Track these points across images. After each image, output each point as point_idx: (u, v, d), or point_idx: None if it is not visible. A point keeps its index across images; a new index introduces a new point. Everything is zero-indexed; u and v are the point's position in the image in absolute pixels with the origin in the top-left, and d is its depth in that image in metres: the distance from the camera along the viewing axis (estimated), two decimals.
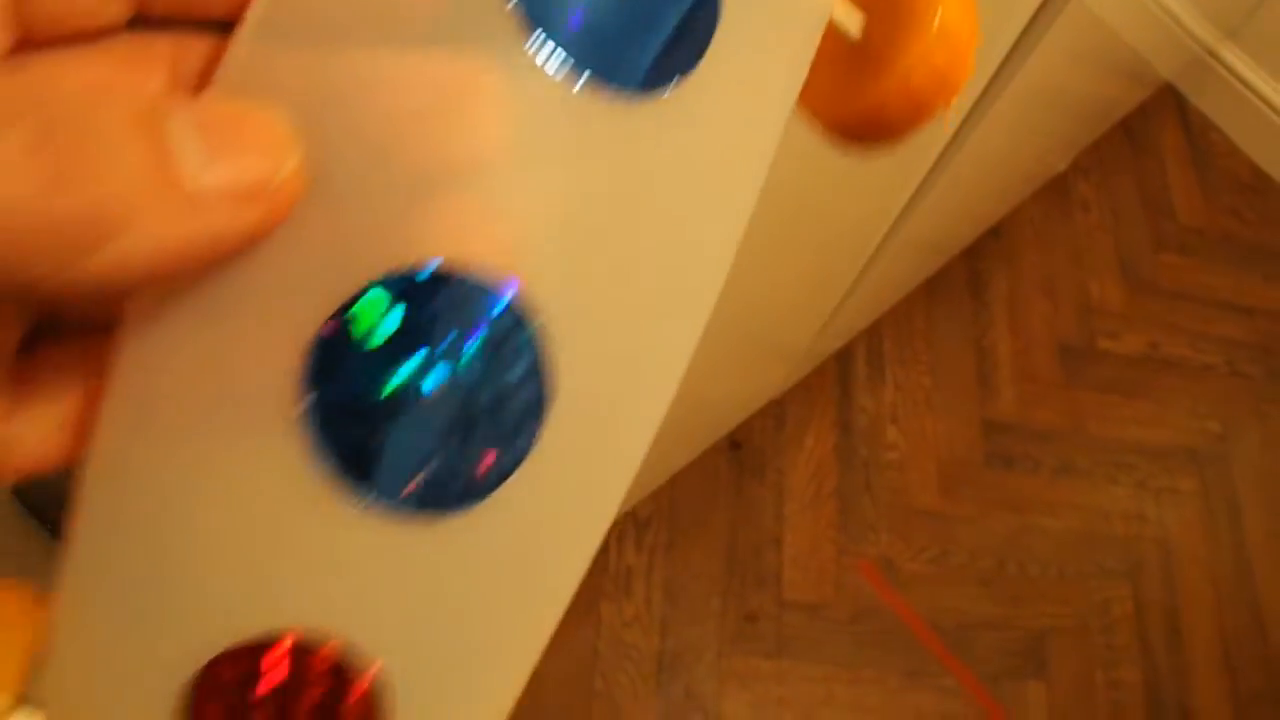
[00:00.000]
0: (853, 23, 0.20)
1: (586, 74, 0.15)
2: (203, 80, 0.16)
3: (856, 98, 0.20)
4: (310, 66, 0.15)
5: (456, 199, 0.15)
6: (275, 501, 0.15)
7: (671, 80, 0.15)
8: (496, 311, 0.14)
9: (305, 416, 0.14)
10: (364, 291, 0.14)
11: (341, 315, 0.14)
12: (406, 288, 0.14)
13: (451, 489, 0.15)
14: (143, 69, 0.16)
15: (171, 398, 0.15)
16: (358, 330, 0.14)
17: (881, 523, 1.30)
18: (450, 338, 0.14)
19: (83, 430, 0.16)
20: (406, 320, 0.14)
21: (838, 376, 1.37)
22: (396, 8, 0.15)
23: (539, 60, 0.14)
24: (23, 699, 0.15)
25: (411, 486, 0.14)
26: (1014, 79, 0.71)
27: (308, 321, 0.14)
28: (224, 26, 0.16)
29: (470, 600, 0.16)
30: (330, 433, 0.14)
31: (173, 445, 0.15)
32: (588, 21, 0.15)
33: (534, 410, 0.15)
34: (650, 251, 0.16)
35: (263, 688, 0.15)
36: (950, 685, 1.23)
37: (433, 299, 0.14)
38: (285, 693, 0.15)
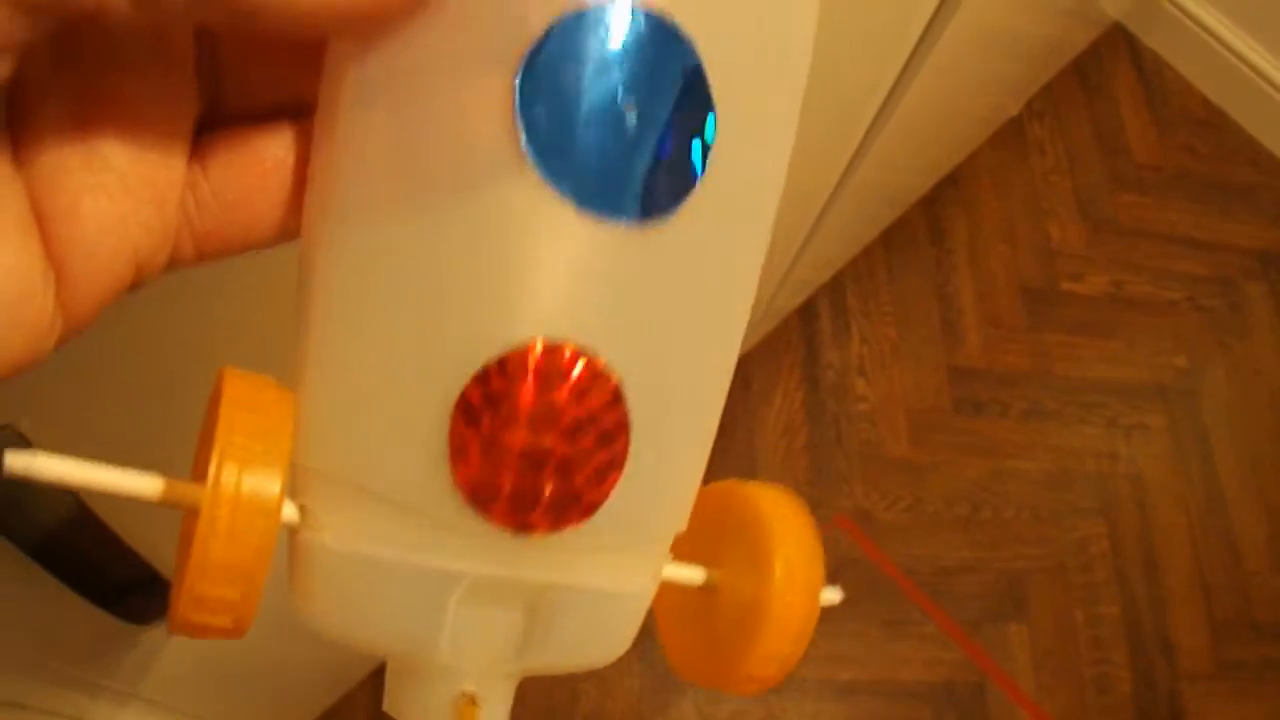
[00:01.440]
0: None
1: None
2: None
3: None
4: None
5: None
6: (508, 226, 0.16)
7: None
8: (668, 42, 0.16)
9: (526, 147, 0.15)
10: (554, 23, 0.15)
11: (538, 47, 0.15)
12: (592, 19, 0.15)
13: (646, 200, 0.16)
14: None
15: (397, 152, 0.16)
16: (554, 60, 0.15)
17: (854, 475, 1.30)
18: (635, 65, 0.16)
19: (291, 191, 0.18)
20: (597, 50, 0.15)
21: (802, 333, 1.37)
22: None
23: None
24: (288, 479, 0.16)
25: (614, 196, 0.16)
26: (950, 21, 0.70)
27: (509, 57, 0.15)
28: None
29: (679, 298, 0.17)
30: (543, 146, 0.15)
31: (406, 195, 0.16)
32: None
33: (702, 129, 0.16)
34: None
35: (520, 398, 0.16)
36: (931, 632, 1.24)
37: (615, 31, 0.16)
38: (541, 400, 0.16)
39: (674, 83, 0.16)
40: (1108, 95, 1.66)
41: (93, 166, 0.16)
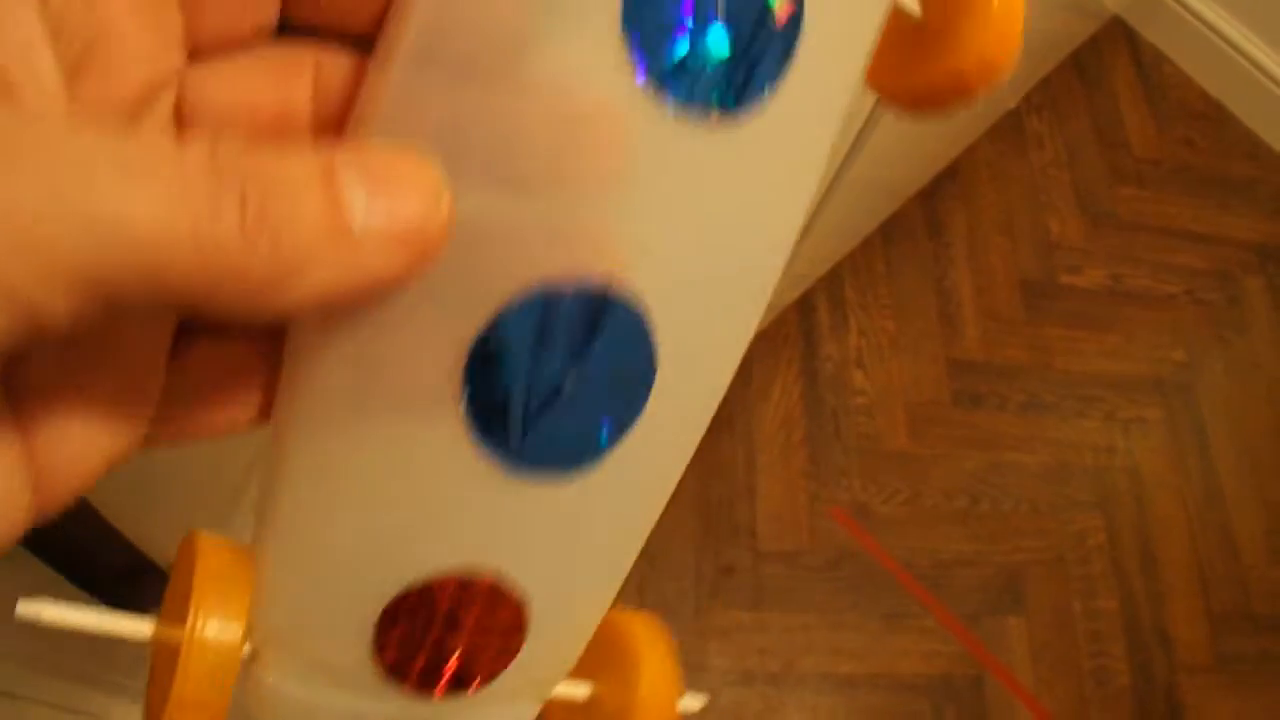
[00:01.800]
0: (913, 3, 0.22)
1: (689, 102, 0.17)
2: (343, 94, 0.19)
3: (911, 75, 0.22)
4: (450, 99, 0.17)
5: (579, 217, 0.17)
6: (440, 471, 0.18)
7: (760, 96, 0.17)
8: (616, 314, 0.18)
9: (466, 407, 0.18)
10: (508, 303, 0.17)
11: (490, 325, 0.17)
12: (542, 299, 0.17)
13: (578, 454, 0.19)
14: (288, 82, 0.19)
15: (351, 393, 0.19)
16: (504, 339, 0.17)
17: (853, 468, 1.31)
18: (579, 338, 0.18)
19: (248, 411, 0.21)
20: (543, 326, 0.17)
21: (800, 326, 1.37)
22: (518, 44, 0.17)
23: (646, 92, 0.17)
24: (248, 630, 0.20)
25: (545, 453, 0.18)
26: None
27: (462, 331, 0.17)
28: (361, 40, 0.19)
29: (589, 537, 0.20)
30: (484, 418, 0.18)
31: (356, 432, 0.19)
32: (690, 60, 0.17)
33: (643, 386, 0.19)
34: (733, 249, 0.19)
35: (437, 611, 0.19)
36: (930, 625, 1.24)
37: (564, 308, 0.17)
38: (455, 613, 0.20)
39: (619, 356, 0.18)
40: (1106, 89, 1.66)
41: (81, 393, 0.18)
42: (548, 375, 0.18)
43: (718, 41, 0.17)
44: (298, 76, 0.19)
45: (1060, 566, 1.31)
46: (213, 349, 0.20)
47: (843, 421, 1.33)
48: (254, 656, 0.21)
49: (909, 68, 0.22)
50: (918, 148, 1.17)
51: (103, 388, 0.18)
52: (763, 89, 0.17)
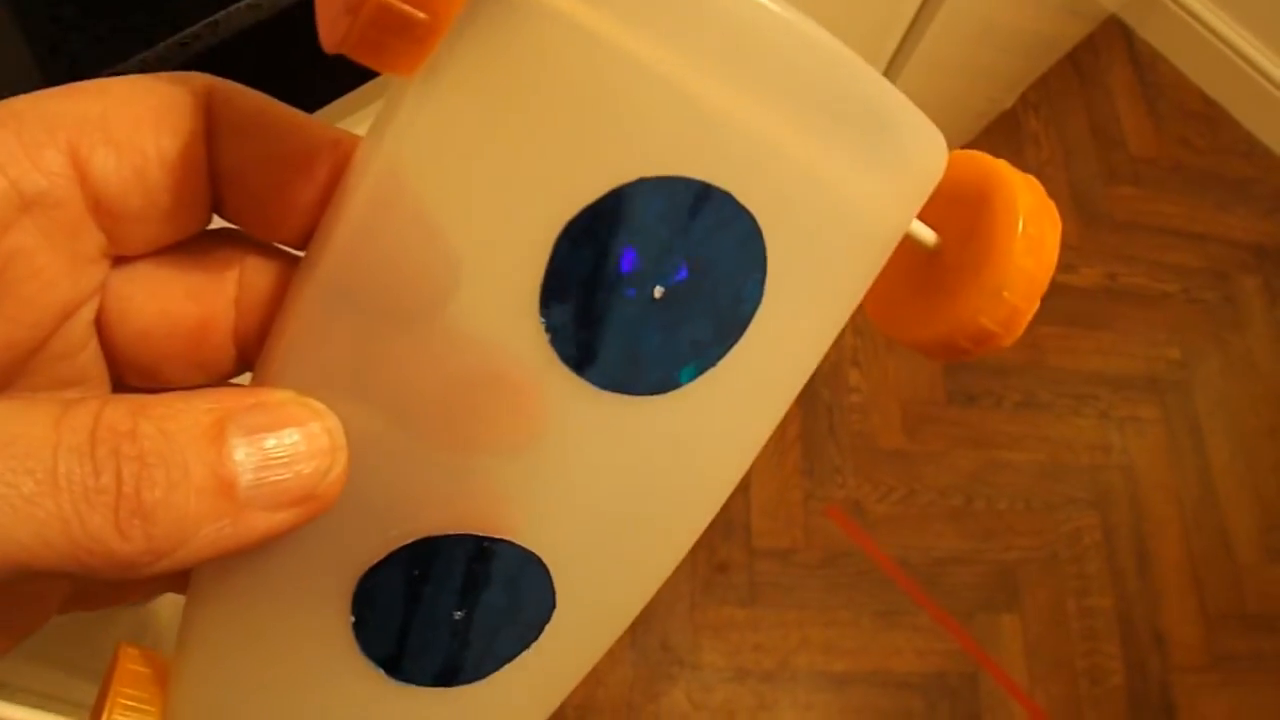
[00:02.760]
0: (928, 236, 0.20)
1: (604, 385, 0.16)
2: (266, 304, 0.19)
3: (921, 323, 0.20)
4: (360, 337, 0.17)
5: (478, 478, 0.17)
6: (328, 676, 0.19)
7: (692, 378, 0.17)
8: (508, 567, 0.18)
9: (354, 627, 0.18)
10: (395, 549, 0.17)
11: (378, 566, 0.17)
12: (428, 550, 0.17)
13: (462, 674, 0.19)
14: (214, 290, 0.19)
15: (245, 627, 0.19)
16: (390, 581, 0.18)
17: (847, 466, 1.31)
18: (466, 587, 0.18)
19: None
20: (429, 573, 0.17)
21: None
22: (430, 299, 0.16)
23: (559, 364, 0.16)
24: None
25: (433, 677, 0.18)
26: (936, 16, 0.70)
27: (348, 569, 0.18)
28: (290, 245, 0.19)
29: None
30: (371, 640, 0.18)
31: (251, 628, 0.19)
32: (621, 355, 0.16)
33: (531, 629, 0.19)
34: (645, 520, 0.19)
35: None
36: (924, 623, 1.24)
37: (451, 561, 0.17)
38: None
39: (506, 608, 0.18)
40: (1103, 88, 1.66)
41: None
42: (434, 614, 0.18)
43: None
44: (221, 284, 0.19)
45: (1055, 565, 1.31)
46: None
47: (837, 419, 1.33)
48: None
49: (918, 309, 0.20)
50: None
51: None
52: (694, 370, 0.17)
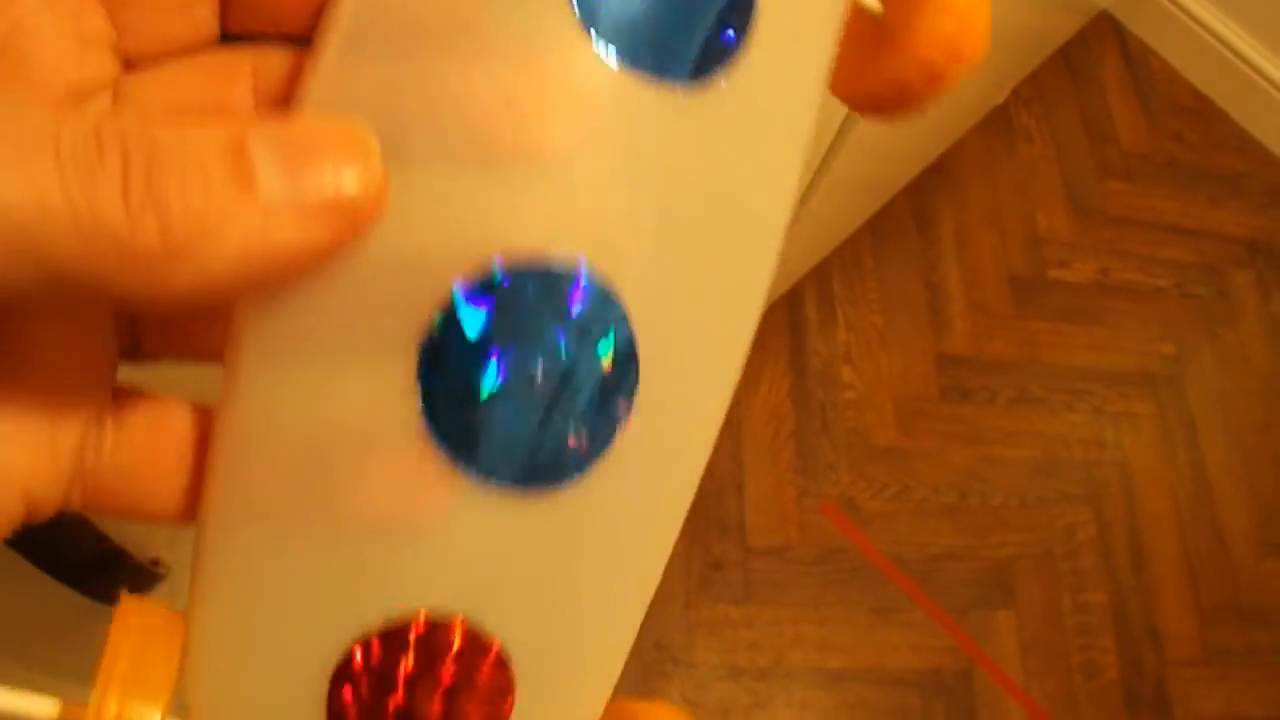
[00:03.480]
0: (873, 4, 0.21)
1: (642, 68, 0.16)
2: (284, 91, 0.18)
3: (874, 74, 0.21)
4: (387, 78, 0.16)
5: (531, 191, 0.16)
6: (395, 490, 0.16)
7: (718, 69, 0.16)
8: (581, 297, 0.16)
9: (419, 410, 0.15)
10: (462, 287, 0.15)
11: (440, 316, 0.15)
12: (493, 282, 0.15)
13: (550, 466, 0.16)
14: (228, 82, 0.18)
15: (287, 408, 0.16)
16: (455, 332, 0.15)
17: (841, 462, 1.30)
18: (541, 325, 0.16)
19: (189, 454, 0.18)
20: (498, 314, 0.15)
21: (788, 320, 1.37)
22: (463, 16, 0.16)
23: (600, 56, 0.15)
24: (170, 708, 0.16)
25: (515, 465, 0.16)
26: None
27: (408, 323, 0.15)
28: (302, 41, 0.18)
29: (574, 572, 0.17)
30: (441, 422, 0.15)
31: (293, 452, 0.16)
32: (638, 21, 0.16)
33: (624, 387, 0.16)
34: (712, 227, 0.17)
35: (400, 668, 0.16)
36: (919, 619, 1.24)
37: (519, 291, 0.15)
38: (421, 670, 0.16)
39: (593, 342, 0.16)
40: (1096, 83, 1.66)
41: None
42: (512, 367, 0.15)
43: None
44: (237, 77, 0.18)
45: (1049, 560, 1.31)
46: (140, 411, 0.19)
47: (831, 416, 1.33)
48: None
49: (872, 67, 0.21)
50: (904, 143, 1.17)
51: (11, 406, 0.17)
52: (719, 65, 0.16)
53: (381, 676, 0.16)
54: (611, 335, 0.16)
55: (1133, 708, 1.25)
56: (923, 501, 1.31)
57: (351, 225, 0.15)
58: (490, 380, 0.15)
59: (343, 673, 0.16)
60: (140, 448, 0.18)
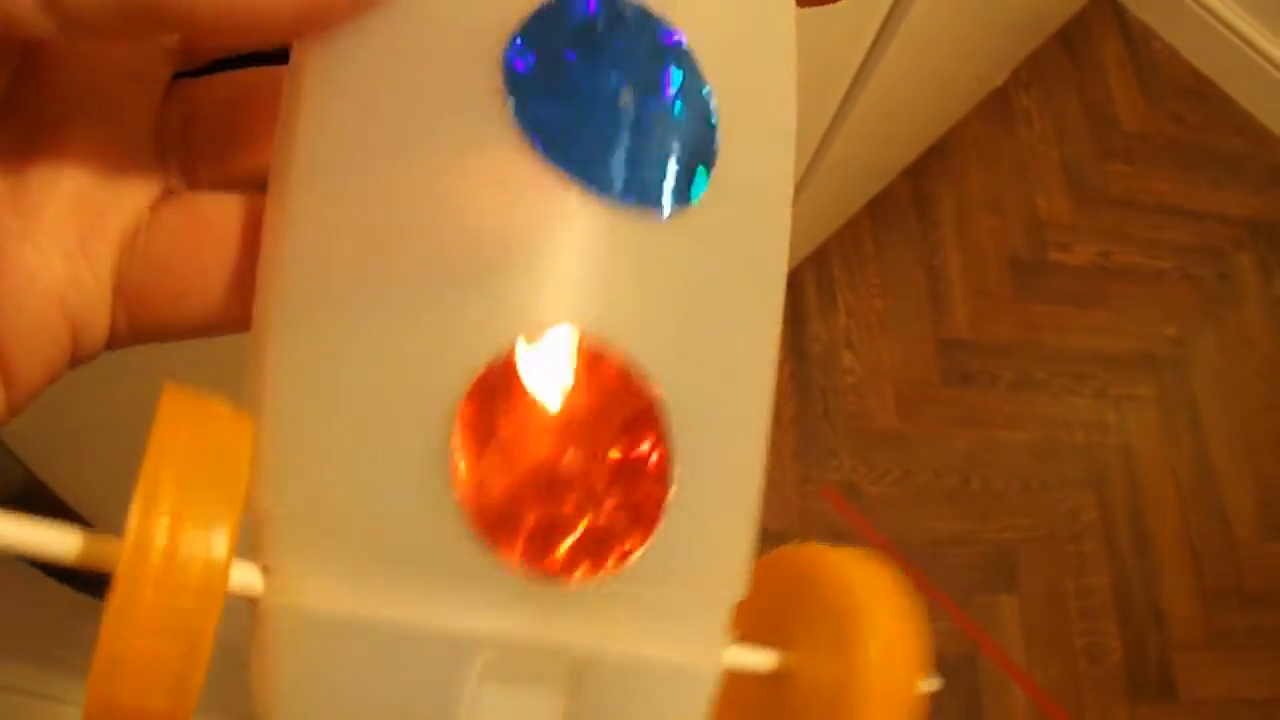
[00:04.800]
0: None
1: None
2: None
3: None
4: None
5: None
6: (504, 205, 0.14)
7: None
8: (672, 43, 0.15)
9: (519, 122, 0.14)
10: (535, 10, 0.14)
11: (523, 30, 0.14)
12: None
13: (663, 188, 0.15)
14: None
15: (373, 124, 0.15)
16: (551, 45, 0.14)
17: (842, 448, 1.30)
18: (636, 53, 0.15)
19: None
20: (594, 36, 0.14)
21: (789, 305, 1.35)
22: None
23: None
24: (237, 531, 0.12)
25: (630, 183, 0.14)
26: None
27: (495, 36, 0.14)
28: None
29: (713, 294, 0.16)
30: (545, 134, 0.14)
31: (386, 170, 0.14)
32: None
33: (707, 118, 0.15)
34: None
35: (531, 406, 0.13)
36: (922, 604, 1.24)
37: (600, 14, 0.15)
38: (565, 394, 0.14)
39: (666, 67, 0.15)
40: (1095, 65, 1.65)
41: (19, 211, 0.16)
42: (599, 78, 0.14)
43: None
44: None
45: (1052, 544, 1.31)
46: (180, 209, 0.18)
47: (832, 401, 1.33)
48: (267, 583, 0.14)
49: None
50: (902, 126, 1.17)
51: (49, 213, 0.16)
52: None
53: (517, 414, 0.14)
54: (699, 92, 0.15)
55: (1136, 691, 1.25)
56: (924, 486, 1.30)
57: None
58: (586, 80, 0.14)
59: (468, 417, 0.13)
60: (177, 241, 0.17)
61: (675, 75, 0.15)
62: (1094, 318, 1.46)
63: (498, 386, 0.13)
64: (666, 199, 0.15)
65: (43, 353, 0.16)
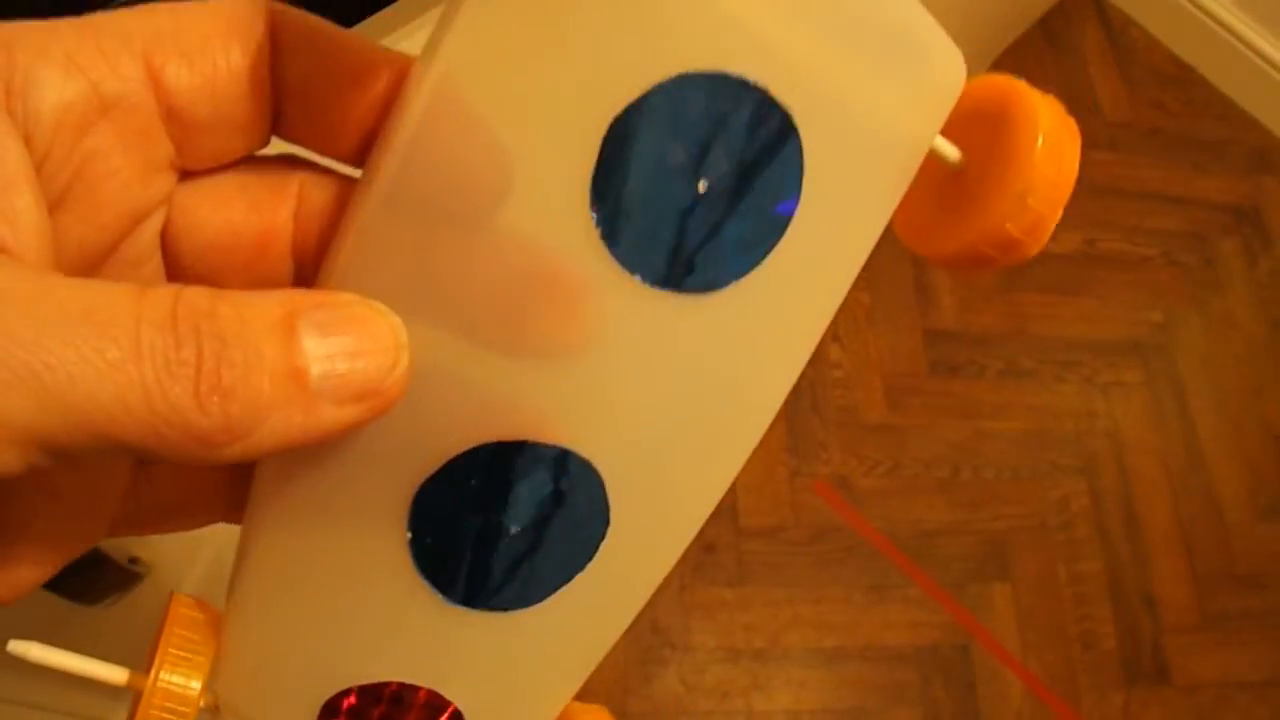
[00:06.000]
0: (951, 152, 0.20)
1: (660, 284, 0.17)
2: (325, 220, 0.19)
3: (948, 236, 0.21)
4: (417, 243, 0.17)
5: (535, 382, 0.17)
6: (385, 597, 0.19)
7: (737, 277, 0.17)
8: (565, 476, 0.18)
9: (410, 544, 0.18)
10: (455, 456, 0.17)
11: (436, 474, 0.18)
12: (489, 456, 0.17)
13: (516, 599, 0.19)
14: (274, 204, 0.19)
15: (309, 511, 0.19)
16: (447, 489, 0.18)
17: (832, 441, 1.30)
18: (521, 496, 0.18)
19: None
20: (486, 481, 0.18)
21: None
22: (493, 200, 0.17)
23: (619, 268, 0.16)
24: (207, 685, 0.20)
25: (485, 597, 0.18)
26: None
27: (409, 474, 0.18)
28: (350, 160, 0.20)
29: (527, 670, 0.21)
30: (426, 557, 0.18)
31: (312, 543, 0.19)
32: (668, 249, 0.17)
33: (590, 543, 0.19)
34: (701, 422, 0.19)
35: (374, 713, 0.20)
36: (915, 596, 1.24)
37: (506, 469, 0.18)
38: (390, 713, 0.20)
39: (562, 519, 0.18)
40: (1076, 54, 1.65)
41: (43, 491, 0.18)
42: (490, 528, 0.18)
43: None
44: (282, 198, 0.19)
45: (1044, 532, 1.31)
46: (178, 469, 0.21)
47: (820, 395, 1.33)
48: (215, 713, 0.21)
49: (947, 228, 0.21)
50: None
51: (64, 505, 0.19)
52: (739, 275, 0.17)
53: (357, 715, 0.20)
54: (593, 510, 0.18)
55: (1131, 676, 1.26)
56: (915, 477, 1.31)
57: (380, 408, 0.17)
58: (478, 532, 0.18)
59: (331, 706, 0.20)
60: (172, 499, 0.21)
61: (581, 510, 0.19)
62: (1080, 305, 1.46)
63: (351, 699, 0.20)
64: (517, 604, 0.19)
65: (38, 579, 0.20)
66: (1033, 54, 1.62)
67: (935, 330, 1.40)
